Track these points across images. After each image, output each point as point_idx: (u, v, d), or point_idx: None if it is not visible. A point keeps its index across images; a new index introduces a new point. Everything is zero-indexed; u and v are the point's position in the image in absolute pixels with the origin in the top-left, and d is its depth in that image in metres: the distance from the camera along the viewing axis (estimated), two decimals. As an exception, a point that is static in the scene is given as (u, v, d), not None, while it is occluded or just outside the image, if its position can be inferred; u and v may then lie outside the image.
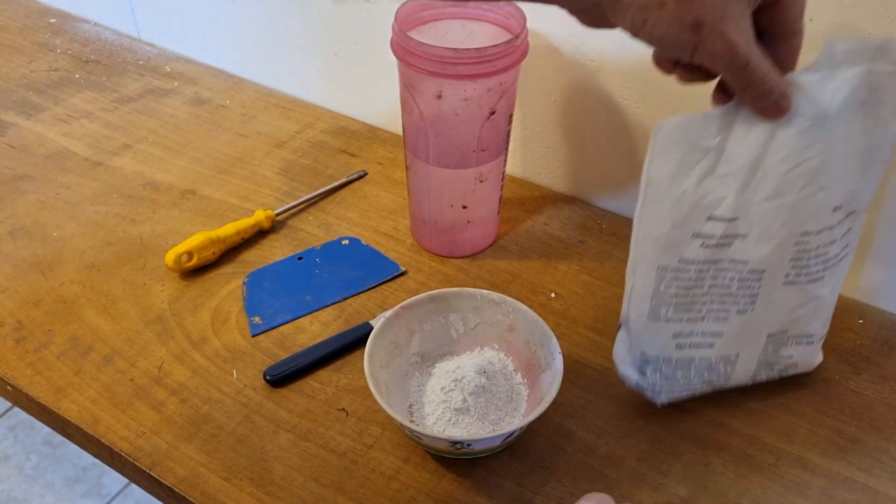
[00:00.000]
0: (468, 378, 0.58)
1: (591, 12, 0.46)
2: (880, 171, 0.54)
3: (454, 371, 0.59)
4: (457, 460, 0.57)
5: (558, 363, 0.56)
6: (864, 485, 0.56)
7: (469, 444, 0.53)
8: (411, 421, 0.57)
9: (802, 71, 0.50)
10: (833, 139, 0.51)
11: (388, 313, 0.60)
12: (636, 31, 0.44)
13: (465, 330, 0.62)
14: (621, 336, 0.60)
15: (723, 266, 0.54)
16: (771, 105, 0.48)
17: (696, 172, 0.51)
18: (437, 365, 0.61)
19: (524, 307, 0.60)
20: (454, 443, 0.53)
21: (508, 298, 0.61)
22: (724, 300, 0.55)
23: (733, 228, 0.53)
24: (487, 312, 0.62)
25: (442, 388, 0.58)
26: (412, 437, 0.55)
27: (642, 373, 0.59)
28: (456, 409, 0.57)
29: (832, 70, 0.50)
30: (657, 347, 0.57)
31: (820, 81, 0.50)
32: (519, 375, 0.61)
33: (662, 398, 0.59)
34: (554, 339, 0.58)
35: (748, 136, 0.51)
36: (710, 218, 0.52)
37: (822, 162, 0.51)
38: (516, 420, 0.57)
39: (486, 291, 0.62)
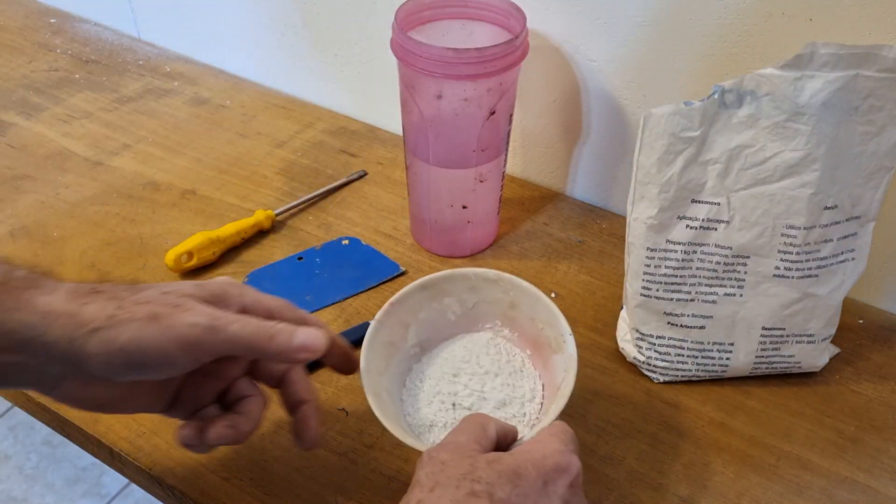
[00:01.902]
0: (471, 363, 0.56)
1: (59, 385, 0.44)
2: (884, 179, 0.56)
3: (456, 360, 0.56)
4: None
5: (571, 347, 0.52)
6: (864, 485, 0.56)
7: None
8: (414, 433, 0.53)
9: (779, 66, 0.52)
10: (817, 137, 0.54)
11: (378, 315, 0.56)
12: (112, 361, 0.42)
13: (463, 311, 0.59)
14: (622, 314, 0.64)
15: (708, 249, 0.58)
16: (293, 349, 0.45)
17: (681, 160, 0.56)
18: (436, 353, 0.58)
19: (525, 283, 0.57)
20: None
21: (505, 275, 0.57)
22: (711, 283, 0.59)
23: (716, 213, 0.57)
24: (485, 291, 0.58)
25: (444, 384, 0.55)
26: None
27: (639, 349, 0.62)
28: (466, 408, 0.54)
29: (814, 70, 0.52)
30: (650, 325, 0.61)
31: (799, 80, 0.53)
32: (528, 353, 0.58)
33: (659, 377, 0.63)
34: (562, 319, 0.54)
35: (728, 126, 0.55)
36: (693, 201, 0.57)
37: (805, 157, 0.54)
38: (533, 406, 0.54)
39: (480, 270, 0.58)
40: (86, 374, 0.43)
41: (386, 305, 0.56)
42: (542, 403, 0.55)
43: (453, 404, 0.55)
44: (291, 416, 0.50)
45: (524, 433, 0.49)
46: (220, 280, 0.48)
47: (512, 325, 0.59)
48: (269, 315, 0.47)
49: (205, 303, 0.45)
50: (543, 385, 0.56)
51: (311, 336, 0.45)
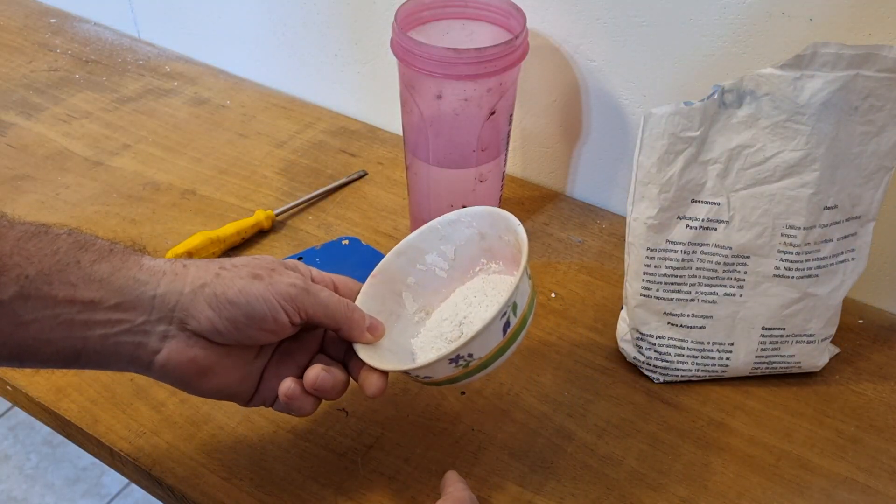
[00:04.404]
0: (462, 304, 0.56)
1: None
2: (884, 179, 0.56)
3: (448, 308, 0.57)
4: (461, 451, 0.57)
5: (522, 234, 0.52)
6: (864, 485, 0.56)
7: (471, 355, 0.49)
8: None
9: (779, 66, 0.52)
10: (817, 137, 0.54)
11: (363, 288, 0.56)
12: (220, 315, 0.47)
13: (449, 264, 0.59)
14: (622, 314, 0.64)
15: (708, 249, 0.58)
16: (356, 326, 0.51)
17: (681, 160, 0.56)
18: (436, 311, 0.58)
19: (476, 207, 0.58)
20: (453, 360, 0.49)
21: (461, 209, 0.58)
22: (711, 283, 0.59)
23: (716, 213, 0.57)
24: (455, 234, 0.59)
25: (440, 327, 0.56)
26: (426, 383, 0.52)
27: (639, 349, 0.62)
28: (456, 339, 0.54)
29: (814, 70, 0.52)
30: (650, 325, 0.61)
31: (799, 79, 0.53)
32: (514, 274, 0.56)
33: (659, 377, 0.63)
34: (511, 217, 0.54)
35: (728, 126, 0.55)
36: (693, 201, 0.57)
37: (805, 157, 0.55)
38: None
39: (441, 217, 0.58)
40: (190, 332, 0.47)
41: (368, 279, 0.57)
42: None
43: (446, 340, 0.55)
44: (356, 378, 0.52)
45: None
46: (289, 259, 0.53)
47: (493, 256, 0.59)
48: (335, 286, 0.54)
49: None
50: None
51: (377, 321, 0.53)
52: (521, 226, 0.53)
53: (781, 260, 0.58)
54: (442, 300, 0.59)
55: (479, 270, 0.59)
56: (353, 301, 0.55)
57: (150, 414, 0.60)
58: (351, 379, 0.53)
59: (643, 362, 0.63)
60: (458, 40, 0.69)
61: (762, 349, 0.61)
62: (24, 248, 0.43)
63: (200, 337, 0.47)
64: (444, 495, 0.51)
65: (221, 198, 0.80)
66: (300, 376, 0.52)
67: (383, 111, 0.90)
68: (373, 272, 0.57)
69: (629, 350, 0.63)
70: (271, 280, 0.48)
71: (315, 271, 0.53)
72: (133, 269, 0.46)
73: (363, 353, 0.51)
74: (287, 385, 0.50)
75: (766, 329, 0.60)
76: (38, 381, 0.62)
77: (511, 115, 0.68)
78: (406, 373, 0.51)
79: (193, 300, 0.46)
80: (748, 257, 0.58)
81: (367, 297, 0.56)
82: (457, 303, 0.58)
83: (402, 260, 0.58)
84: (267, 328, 0.48)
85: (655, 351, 0.62)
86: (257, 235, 0.76)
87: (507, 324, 0.50)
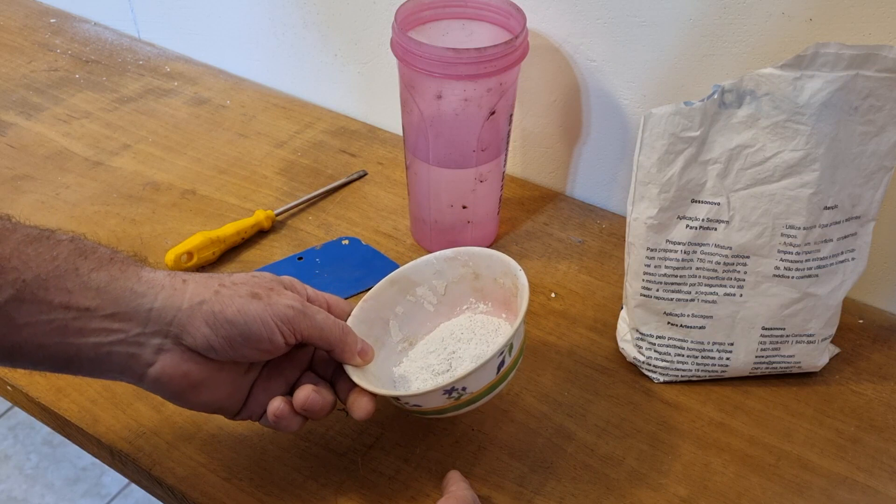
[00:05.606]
0: (449, 339, 0.57)
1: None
2: (884, 179, 0.56)
3: (434, 341, 0.58)
4: (461, 451, 0.57)
5: (522, 279, 0.54)
6: (864, 485, 0.56)
7: (464, 389, 0.50)
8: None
9: (779, 66, 0.52)
10: (817, 137, 0.54)
11: (353, 311, 0.57)
12: (217, 333, 0.47)
13: (438, 299, 0.60)
14: (622, 314, 0.64)
15: (708, 249, 0.58)
16: (348, 349, 0.51)
17: (681, 160, 0.56)
18: (421, 343, 0.59)
19: (476, 248, 0.58)
20: (448, 392, 0.50)
21: (461, 248, 0.59)
22: (711, 283, 0.59)
23: (716, 213, 0.57)
24: (449, 272, 0.60)
25: (425, 359, 0.57)
26: (411, 411, 0.53)
27: (639, 349, 0.62)
28: (443, 372, 0.56)
29: (814, 70, 0.52)
30: (650, 325, 0.61)
31: (799, 79, 0.53)
32: (503, 317, 0.59)
33: (659, 377, 0.63)
34: (512, 262, 0.55)
35: (728, 126, 0.55)
36: (693, 201, 0.57)
37: (804, 157, 0.55)
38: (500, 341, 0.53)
39: (439, 252, 0.59)
40: (185, 347, 0.47)
41: (360, 303, 0.58)
42: None
43: (433, 372, 0.56)
44: (343, 400, 0.53)
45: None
46: (286, 277, 0.53)
47: (483, 297, 0.60)
48: (329, 306, 0.54)
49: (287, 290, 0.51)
50: None
51: (368, 345, 0.53)
52: (522, 271, 0.55)
53: (781, 260, 0.58)
54: (426, 333, 0.60)
55: (465, 308, 0.60)
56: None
57: (150, 414, 0.60)
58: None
59: (643, 362, 0.63)
60: (458, 40, 0.69)
61: (762, 349, 0.61)
62: (23, 252, 0.43)
63: (194, 352, 0.47)
64: (445, 494, 0.51)
65: (221, 198, 0.80)
66: (288, 392, 0.52)
67: (383, 111, 0.90)
68: (365, 297, 0.58)
69: (629, 350, 0.63)
70: (269, 301, 0.48)
71: (311, 290, 0.54)
72: (131, 281, 0.46)
73: (355, 376, 0.52)
74: (276, 405, 0.50)
75: (766, 329, 0.60)
76: (39, 381, 0.62)
77: (511, 115, 0.68)
78: (396, 398, 0.52)
79: (191, 316, 0.46)
80: (748, 257, 0.58)
81: (358, 321, 0.57)
82: (443, 337, 0.59)
83: (395, 289, 0.59)
84: (262, 348, 0.48)
85: (655, 351, 0.62)
86: (257, 235, 0.76)
87: (503, 363, 0.51)
